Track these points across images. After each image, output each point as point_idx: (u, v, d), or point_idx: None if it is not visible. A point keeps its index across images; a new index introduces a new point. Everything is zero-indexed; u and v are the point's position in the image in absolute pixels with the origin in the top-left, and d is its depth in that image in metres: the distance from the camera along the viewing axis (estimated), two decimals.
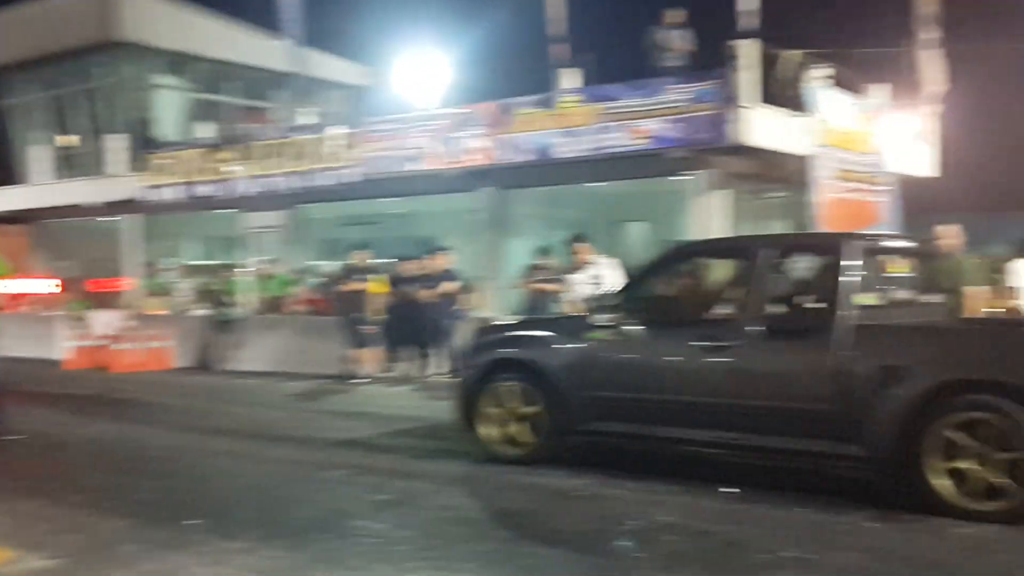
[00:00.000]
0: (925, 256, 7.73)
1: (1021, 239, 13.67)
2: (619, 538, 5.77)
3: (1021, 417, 5.86)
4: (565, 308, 9.55)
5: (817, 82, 16.08)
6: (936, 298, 7.80)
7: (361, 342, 14.66)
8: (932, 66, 18.67)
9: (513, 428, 7.87)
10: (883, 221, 15.50)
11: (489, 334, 8.60)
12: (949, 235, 10.34)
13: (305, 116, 20.94)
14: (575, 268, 9.29)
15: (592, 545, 5.67)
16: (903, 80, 19.47)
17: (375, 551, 5.57)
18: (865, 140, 16.56)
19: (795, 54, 15.56)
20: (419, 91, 18.80)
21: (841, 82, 16.90)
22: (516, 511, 6.48)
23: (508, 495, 6.90)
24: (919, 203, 20.52)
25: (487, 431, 8.01)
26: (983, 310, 13.50)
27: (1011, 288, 11.73)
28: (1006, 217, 31.56)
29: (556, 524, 6.10)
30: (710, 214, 15.79)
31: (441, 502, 6.72)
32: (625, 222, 19.97)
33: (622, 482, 7.16)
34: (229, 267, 18.71)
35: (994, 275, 14.38)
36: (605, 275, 9.13)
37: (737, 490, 6.82)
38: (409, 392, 13.30)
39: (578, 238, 9.37)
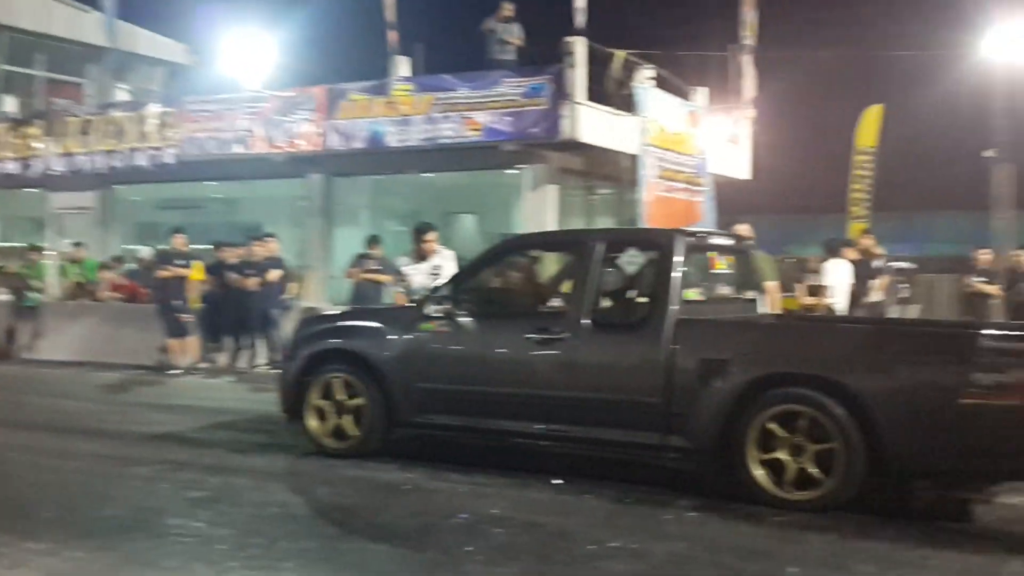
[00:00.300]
0: (743, 253, 7.97)
1: (830, 240, 14.42)
2: (448, 532, 5.68)
3: (833, 410, 6.11)
4: (397, 299, 9.36)
5: (644, 83, 16.48)
6: (753, 294, 8.08)
7: (179, 331, 14.03)
8: (746, 72, 19.45)
9: (340, 420, 7.66)
10: (703, 221, 16.04)
11: (316, 324, 8.35)
12: (742, 232, 10.70)
13: (121, 93, 19.89)
14: (420, 258, 9.09)
15: (421, 539, 5.56)
16: (719, 84, 20.23)
17: (192, 551, 5.27)
18: (688, 142, 17.09)
19: (623, 54, 15.89)
20: (245, 72, 18.14)
21: (664, 84, 17.41)
22: (342, 506, 6.28)
23: (334, 489, 6.69)
24: (734, 205, 21.39)
25: (313, 423, 7.77)
26: (798, 306, 14.22)
27: (824, 287, 12.35)
28: (816, 219, 33.48)
29: (384, 519, 5.95)
30: (540, 208, 15.94)
31: (263, 498, 6.45)
32: (456, 214, 19.91)
33: (451, 475, 7.08)
34: (35, 250, 17.53)
35: (806, 274, 15.14)
36: (445, 267, 9.00)
37: (562, 482, 6.84)
38: (230, 383, 12.84)
39: (427, 227, 9.18)
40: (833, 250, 13.76)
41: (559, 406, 6.89)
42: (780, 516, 6.05)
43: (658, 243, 6.99)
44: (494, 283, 8.10)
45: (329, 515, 6.04)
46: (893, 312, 15.54)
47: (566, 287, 7.40)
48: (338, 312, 9.00)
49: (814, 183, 32.61)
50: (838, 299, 12.78)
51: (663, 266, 6.80)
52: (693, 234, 7.16)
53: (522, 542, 5.52)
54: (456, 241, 18.31)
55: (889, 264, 15.77)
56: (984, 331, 6.02)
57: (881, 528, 5.85)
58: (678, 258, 6.77)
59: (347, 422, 7.63)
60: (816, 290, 14.66)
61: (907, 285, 20.30)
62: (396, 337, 7.53)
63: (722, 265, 7.45)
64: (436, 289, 7.65)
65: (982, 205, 28.12)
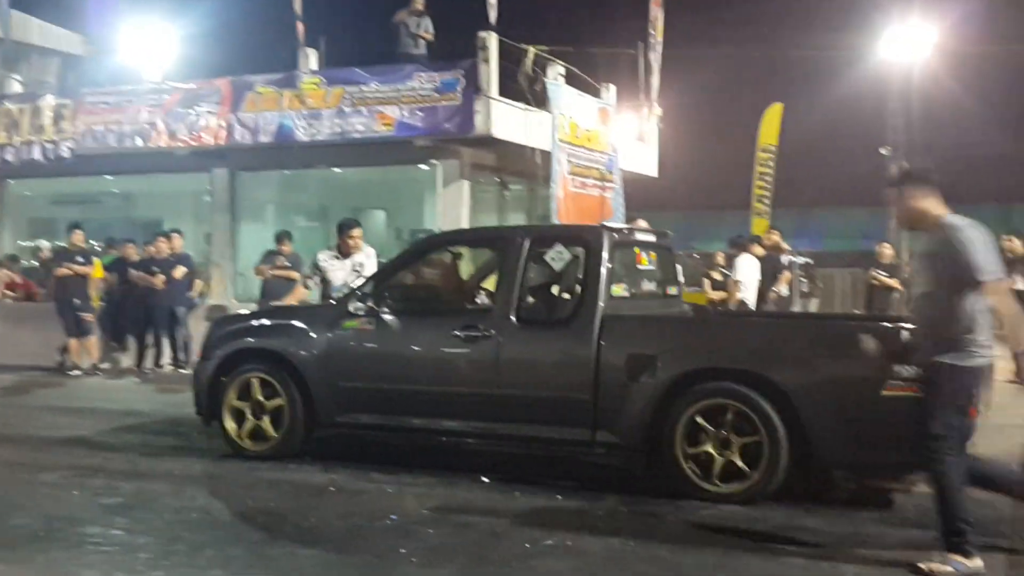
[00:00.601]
0: (667, 249, 8.01)
1: (737, 236, 14.69)
2: (379, 534, 5.56)
3: (757, 403, 6.18)
4: (297, 292, 9.13)
5: (556, 79, 16.53)
6: (675, 289, 8.14)
7: (79, 330, 13.51)
8: (653, 70, 19.67)
9: (259, 421, 7.46)
10: (614, 217, 16.17)
11: (232, 322, 8.11)
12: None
13: (14, 84, 19.06)
14: (343, 254, 8.88)
15: (351, 543, 5.43)
16: (628, 82, 20.42)
17: (112, 560, 5.04)
18: (599, 138, 17.21)
19: (535, 49, 15.89)
20: (146, 63, 17.57)
21: (575, 81, 17.49)
22: (266, 510, 6.08)
23: (257, 493, 6.49)
24: (641, 201, 21.65)
25: (231, 425, 7.54)
26: (705, 301, 14.43)
27: (737, 281, 12.54)
28: (721, 215, 34.16)
29: (311, 522, 5.78)
30: (453, 204, 15.82)
31: (182, 503, 6.22)
32: (367, 210, 19.65)
33: (376, 475, 6.95)
34: None
35: (712, 270, 15.38)
36: (367, 264, 8.83)
37: (490, 480, 6.77)
38: (135, 384, 12.42)
39: (352, 223, 8.98)
40: (742, 246, 14.02)
41: (486, 403, 6.82)
42: (707, 509, 6.10)
43: (585, 239, 6.97)
44: (418, 280, 7.99)
45: (254, 520, 5.84)
46: (795, 306, 15.94)
47: (492, 284, 7.33)
48: (256, 310, 8.75)
49: (719, 180, 33.23)
50: (748, 294, 13.02)
51: (590, 262, 6.79)
52: (619, 230, 7.17)
53: (456, 543, 5.43)
54: (367, 238, 18.10)
55: (794, 259, 16.17)
56: (906, 324, 6.15)
57: (808, 518, 5.94)
58: (605, 254, 6.76)
59: (266, 423, 7.43)
60: (721, 285, 14.95)
61: (806, 280, 20.84)
62: (317, 335, 7.36)
63: (646, 261, 7.47)
64: (359, 286, 7.49)
65: (878, 201, 29.02)
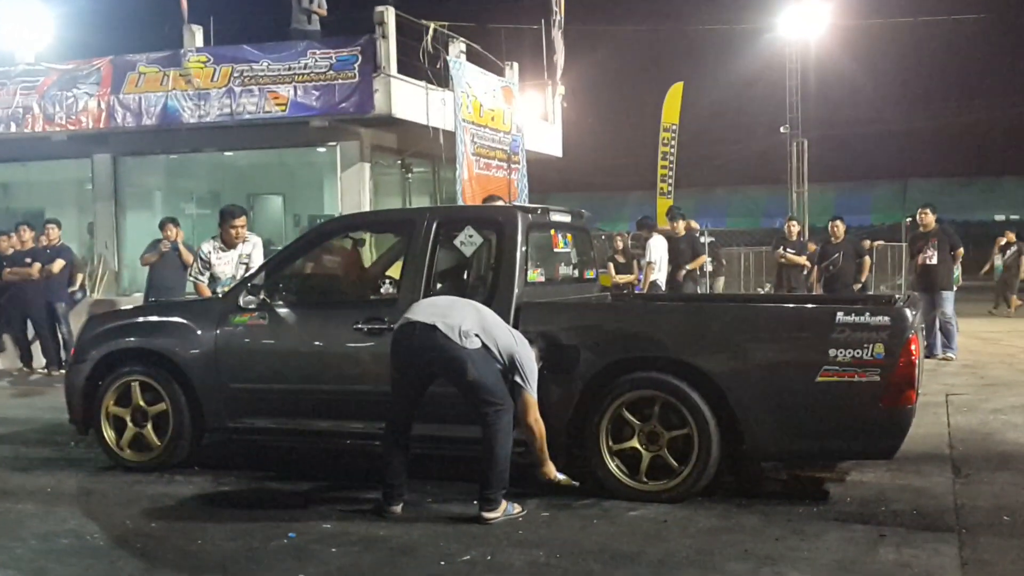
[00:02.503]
0: (583, 231, 7.54)
1: (645, 217, 14.36)
2: (276, 556, 4.95)
3: (685, 394, 5.76)
4: (200, 290, 8.40)
5: (458, 56, 15.96)
6: (592, 273, 7.69)
7: None
8: (556, 48, 19.26)
9: (141, 429, 6.76)
10: (519, 199, 15.74)
11: (108, 320, 7.33)
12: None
13: None
14: (228, 245, 8.16)
15: (241, 569, 4.81)
16: (531, 61, 19.97)
17: None
18: (503, 118, 16.72)
19: (435, 25, 15.28)
20: (19, 43, 16.38)
21: (477, 59, 16.94)
22: (146, 532, 5.41)
23: (137, 512, 5.79)
24: (545, 182, 21.31)
25: (110, 434, 6.83)
26: (609, 284, 14.08)
27: (650, 263, 12.19)
28: (625, 196, 34.07)
29: (198, 545, 5.13)
30: (354, 188, 15.16)
31: (51, 527, 5.50)
32: (262, 195, 18.81)
33: (277, 486, 6.35)
34: None
35: (616, 252, 15.05)
36: (255, 255, 8.13)
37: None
38: (8, 388, 11.42)
39: (236, 211, 8.27)
40: (652, 227, 13.71)
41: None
42: (636, 510, 5.66)
43: (497, 221, 6.43)
44: (316, 269, 7.36)
45: (131, 544, 5.16)
46: (702, 286, 15.74)
47: (397, 272, 6.74)
48: (136, 306, 7.98)
49: (623, 160, 33.14)
50: (660, 275, 12.70)
51: (503, 246, 6.26)
52: (533, 210, 6.65)
53: (364, 562, 4.86)
54: (262, 225, 17.27)
55: (703, 239, 15.97)
56: (841, 306, 5.79)
57: (742, 516, 5.54)
58: (519, 237, 6.24)
59: (149, 431, 6.74)
60: (626, 268, 14.64)
61: (710, 259, 20.76)
62: (204, 333, 6.67)
63: (563, 244, 6.98)
64: (249, 277, 6.81)
65: (777, 179, 29.27)
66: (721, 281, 21.93)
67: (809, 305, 6.84)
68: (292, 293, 6.71)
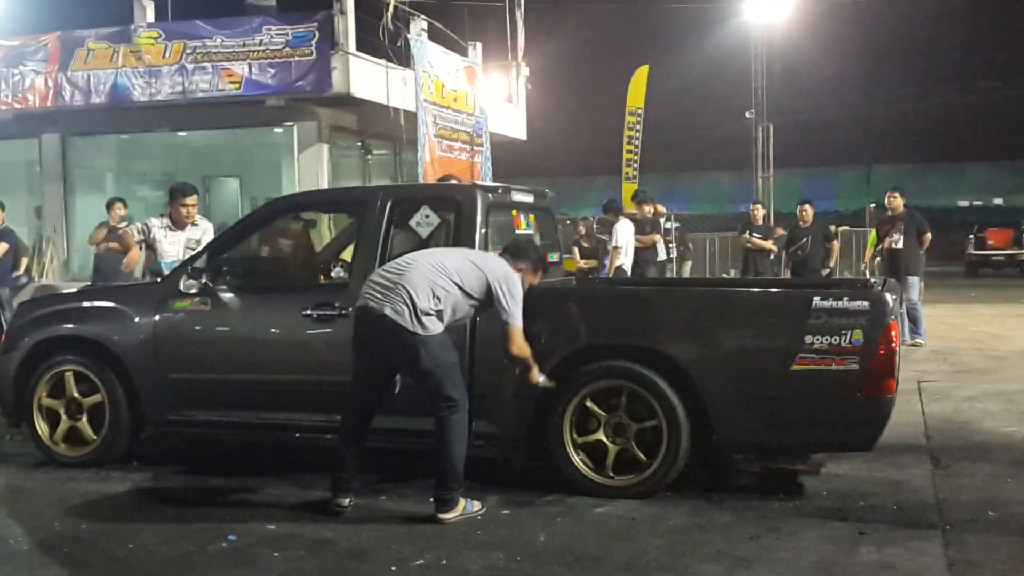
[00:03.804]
0: (546, 211, 7.19)
1: (611, 201, 14.05)
2: (212, 561, 4.58)
3: (653, 383, 5.44)
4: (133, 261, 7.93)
5: (419, 34, 15.54)
6: (556, 256, 7.34)
7: None
8: (519, 27, 18.88)
9: (75, 422, 6.34)
10: (483, 182, 15.36)
11: (40, 306, 6.87)
12: None
13: None
14: (179, 226, 7.70)
15: (176, 574, 4.43)
16: (495, 41, 19.57)
17: None
18: (466, 99, 16.33)
19: (395, 1, 14.83)
20: None
21: (439, 38, 16.52)
22: (75, 535, 4.98)
23: (67, 512, 5.38)
24: (509, 166, 20.92)
25: (42, 428, 6.40)
26: (574, 269, 13.78)
27: (616, 248, 11.88)
28: (591, 180, 33.78)
29: (128, 550, 4.73)
30: (312, 170, 14.72)
31: None
32: (217, 177, 18.27)
33: (220, 482, 5.96)
34: None
35: (582, 239, 14.75)
36: (204, 240, 7.68)
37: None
38: None
39: (186, 189, 7.81)
40: (618, 210, 13.38)
41: (343, 393, 5.84)
42: (602, 507, 5.34)
43: (455, 200, 6.06)
44: (262, 252, 6.96)
45: (58, 549, 4.75)
46: (668, 271, 15.48)
47: (349, 254, 6.34)
48: (69, 292, 7.52)
49: (588, 144, 32.83)
50: (627, 260, 12.39)
51: (462, 227, 5.89)
52: (494, 189, 6.29)
53: (308, 568, 4.50)
54: (218, 208, 16.77)
55: (667, 224, 15.72)
56: (818, 290, 5.49)
57: (714, 513, 5.24)
58: (479, 217, 5.88)
59: (84, 424, 6.31)
60: (590, 253, 14.34)
61: (674, 244, 20.55)
62: (142, 319, 6.25)
63: (525, 225, 6.62)
64: (189, 260, 6.38)
65: (743, 165, 29.09)
66: (688, 266, 21.77)
67: (783, 289, 6.52)
68: (237, 277, 6.29)
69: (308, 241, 7.06)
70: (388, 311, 5.08)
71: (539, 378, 5.36)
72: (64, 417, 6.35)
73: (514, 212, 6.51)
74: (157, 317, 6.22)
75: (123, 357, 6.21)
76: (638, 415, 5.51)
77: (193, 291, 6.16)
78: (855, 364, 5.20)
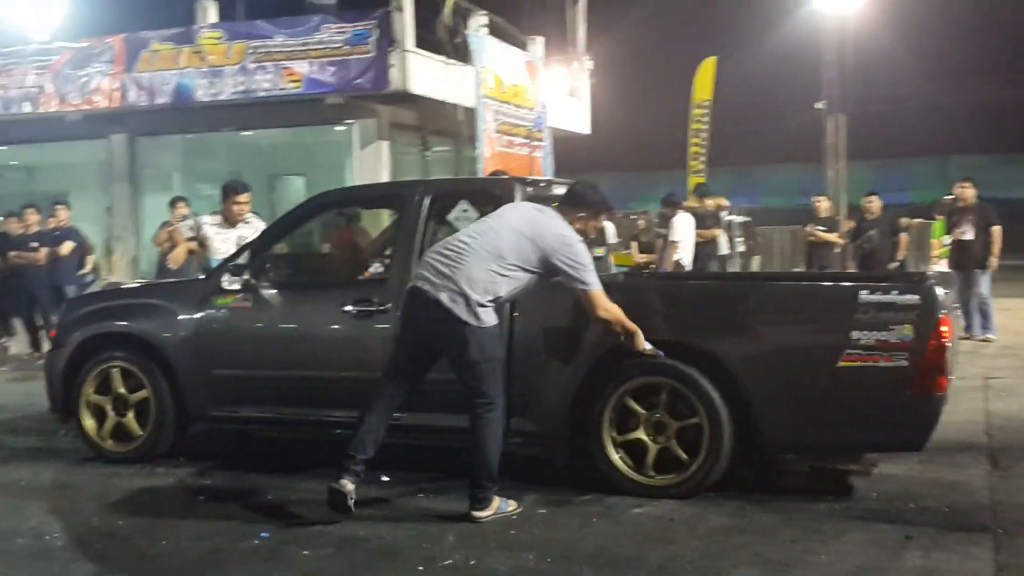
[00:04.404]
0: None
1: (670, 194, 13.82)
2: (241, 559, 4.57)
3: (694, 380, 5.29)
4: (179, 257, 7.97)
5: (478, 30, 15.48)
6: (601, 251, 7.21)
7: None
8: (582, 21, 18.72)
9: (122, 418, 6.41)
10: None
11: (88, 303, 6.98)
12: None
13: None
14: (231, 223, 7.72)
15: (204, 571, 4.44)
16: (557, 34, 19.43)
17: None
18: (526, 94, 16.24)
19: None
20: (32, 21, 16.14)
21: (499, 32, 16.45)
22: (111, 531, 5.03)
23: (106, 508, 5.43)
24: (573, 161, 20.76)
25: (90, 423, 6.49)
26: (632, 264, 13.60)
27: (674, 242, 11.69)
28: (656, 175, 33.40)
29: (161, 547, 4.75)
30: (373, 167, 14.80)
31: (12, 524, 5.15)
32: (283, 176, 18.47)
33: (261, 479, 5.95)
34: None
35: (641, 233, 14.57)
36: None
37: (389, 479, 5.82)
38: (8, 373, 11.15)
39: (239, 187, 7.84)
40: (677, 204, 13.17)
41: None
42: (641, 507, 5.21)
43: (494, 195, 5.96)
44: (309, 248, 6.95)
45: (91, 545, 4.80)
46: (734, 265, 15.19)
47: (390, 249, 6.30)
48: (115, 289, 7.61)
49: (654, 138, 32.44)
50: (686, 255, 12.19)
51: None
52: (533, 183, 6.20)
53: (335, 566, 4.47)
54: (285, 206, 16.91)
55: (734, 218, 15.44)
56: (865, 283, 5.28)
57: (757, 514, 5.08)
58: None
59: (130, 420, 6.38)
60: (649, 247, 14.15)
61: (742, 238, 20.19)
62: (185, 316, 6.29)
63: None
64: (233, 257, 6.41)
65: (814, 157, 28.48)
66: (756, 261, 21.37)
67: (829, 283, 6.31)
68: (278, 273, 6.32)
69: (350, 236, 7.05)
70: (444, 297, 4.97)
71: (645, 345, 5.19)
72: (111, 413, 6.43)
73: (555, 205, 6.39)
74: (200, 313, 6.26)
75: (168, 353, 6.26)
76: (679, 413, 5.37)
77: (235, 287, 6.18)
78: (904, 360, 4.99)
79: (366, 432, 5.10)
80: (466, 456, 5.13)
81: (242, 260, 6.27)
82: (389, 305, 5.76)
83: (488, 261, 4.99)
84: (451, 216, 5.99)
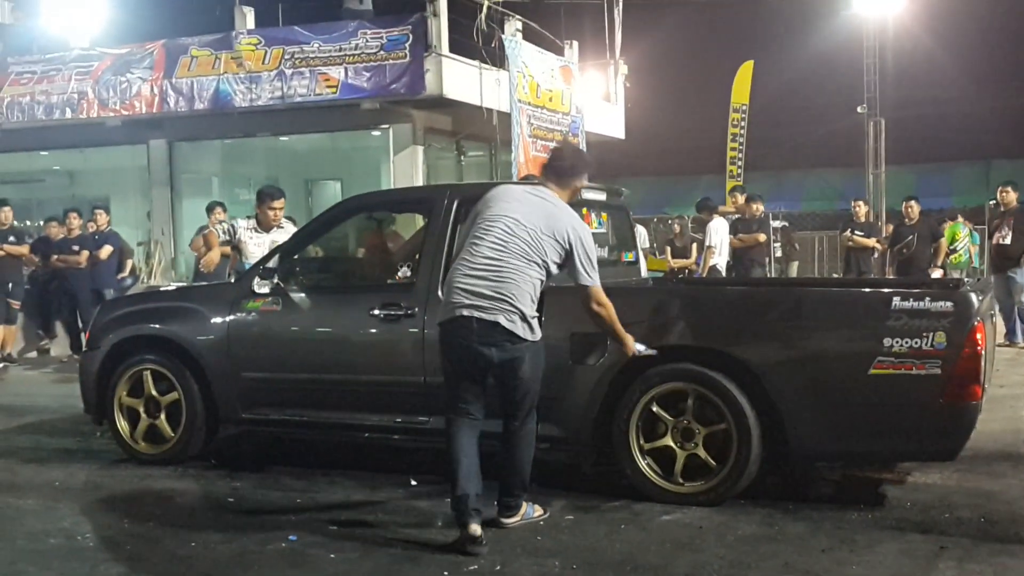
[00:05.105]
0: (621, 210, 7.03)
1: (706, 199, 13.73)
2: (268, 561, 4.59)
3: (721, 386, 5.24)
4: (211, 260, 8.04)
5: (514, 35, 15.51)
6: (632, 255, 7.18)
7: (7, 317, 12.35)
8: (618, 26, 18.66)
9: (154, 420, 6.47)
10: None
11: (121, 306, 7.06)
12: None
13: None
14: (265, 228, 7.77)
15: (233, 572, 4.45)
16: (592, 39, 19.39)
17: None
18: (561, 98, 16.24)
19: (489, 2, 14.84)
20: (73, 27, 16.38)
21: (534, 37, 16.46)
22: (141, 532, 5.06)
23: (137, 509, 5.47)
24: (609, 166, 20.68)
25: (123, 425, 6.55)
26: (666, 268, 13.53)
27: (710, 247, 11.61)
28: (695, 180, 33.18)
29: (189, 549, 4.77)
30: (408, 172, 14.89)
31: (45, 524, 5.21)
32: (319, 180, 18.64)
33: (291, 482, 5.98)
34: None
35: (675, 237, 14.49)
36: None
37: (417, 483, 5.85)
38: (50, 376, 11.30)
39: (274, 192, 7.89)
40: (712, 208, 13.09)
41: (412, 394, 5.83)
42: (670, 514, 5.16)
43: None
44: (336, 252, 6.98)
45: (122, 546, 4.84)
46: (767, 270, 15.06)
47: (417, 253, 6.30)
48: (148, 292, 7.68)
49: (691, 143, 32.29)
50: (721, 260, 12.10)
51: None
52: None
53: (361, 570, 4.47)
54: (320, 211, 17.05)
55: (774, 223, 15.33)
56: (898, 289, 5.20)
57: (787, 523, 5.01)
58: None
59: (162, 422, 6.44)
60: (682, 252, 14.07)
61: (779, 243, 20.01)
62: (216, 319, 6.34)
63: (596, 224, 6.48)
64: (263, 260, 6.45)
65: (853, 161, 28.17)
66: (795, 266, 21.19)
67: (861, 289, 6.23)
68: (307, 277, 6.35)
69: (379, 240, 7.07)
70: (503, 319, 4.73)
71: (636, 347, 5.09)
72: (143, 415, 6.49)
73: (584, 210, 6.36)
74: (231, 317, 6.30)
75: (199, 356, 6.31)
76: (707, 419, 5.32)
77: (265, 291, 6.22)
78: (937, 369, 4.91)
79: (465, 475, 4.78)
80: (499, 461, 5.09)
81: (272, 264, 6.30)
82: (416, 309, 5.76)
83: (526, 269, 4.82)
84: None
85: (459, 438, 4.85)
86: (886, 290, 5.32)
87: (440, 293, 5.67)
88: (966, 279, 6.44)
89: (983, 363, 4.98)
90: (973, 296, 5.04)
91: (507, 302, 4.74)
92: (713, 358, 5.27)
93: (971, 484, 5.66)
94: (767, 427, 5.23)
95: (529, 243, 4.84)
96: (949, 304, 4.94)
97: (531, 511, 5.10)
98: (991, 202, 17.17)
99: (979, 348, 4.90)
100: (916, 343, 4.93)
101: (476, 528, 4.65)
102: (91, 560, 4.65)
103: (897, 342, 4.96)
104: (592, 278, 4.95)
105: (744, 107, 24.54)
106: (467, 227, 5.00)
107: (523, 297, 4.79)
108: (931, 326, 4.91)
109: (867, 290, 5.81)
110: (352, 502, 5.55)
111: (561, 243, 4.88)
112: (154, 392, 6.44)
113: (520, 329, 4.77)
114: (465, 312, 4.74)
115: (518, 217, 4.86)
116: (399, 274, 6.38)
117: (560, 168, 5.12)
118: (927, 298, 4.99)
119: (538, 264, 4.85)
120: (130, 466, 6.44)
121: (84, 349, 6.95)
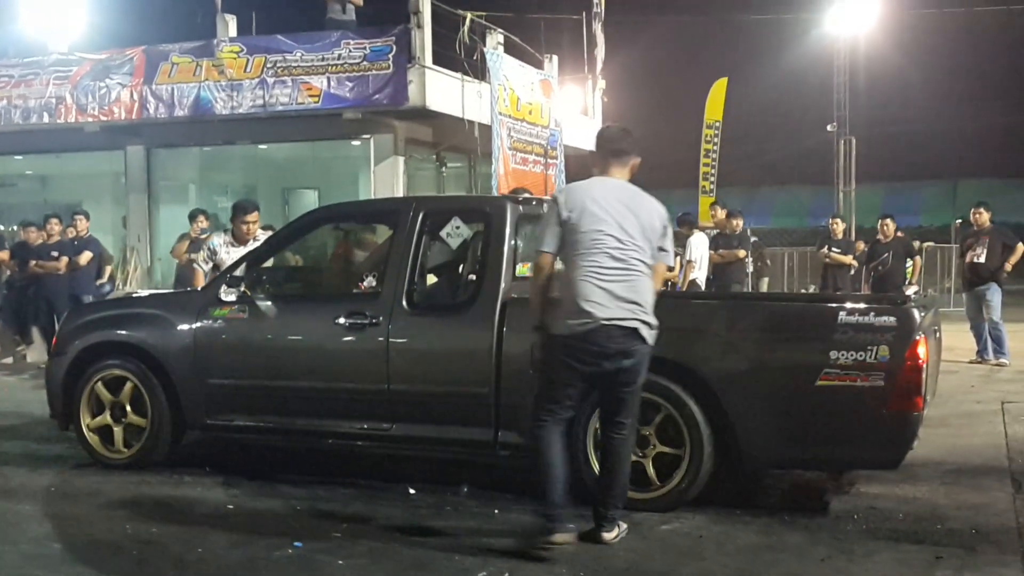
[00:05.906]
0: None
1: (685, 214, 13.90)
2: (277, 568, 4.61)
3: (677, 396, 5.33)
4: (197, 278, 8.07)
5: (495, 48, 15.60)
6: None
7: None
8: (596, 41, 18.82)
9: (120, 426, 6.51)
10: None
11: (87, 313, 7.10)
12: None
13: None
14: (241, 241, 7.77)
15: None
16: (570, 53, 19.53)
17: None
18: (541, 112, 16.34)
19: (472, 16, 14.93)
20: (51, 32, 16.28)
21: (515, 51, 16.57)
22: (146, 538, 5.06)
23: (138, 515, 5.46)
24: (582, 179, 20.83)
25: (89, 430, 6.58)
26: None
27: (690, 262, 11.75)
28: (668, 194, 33.47)
29: (197, 554, 4.77)
30: (388, 182, 14.89)
31: (47, 530, 5.23)
32: (297, 189, 18.60)
33: (289, 490, 5.99)
34: None
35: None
36: None
37: (414, 492, 5.89)
38: (29, 382, 11.18)
39: (249, 206, 7.90)
40: (692, 223, 13.26)
41: (375, 401, 5.90)
42: (669, 524, 5.25)
43: (485, 212, 6.03)
44: (302, 261, 7.05)
45: (128, 551, 4.84)
46: (745, 285, 15.22)
47: (382, 264, 6.35)
48: (116, 298, 7.68)
49: (665, 157, 32.54)
50: (700, 274, 12.25)
51: (491, 238, 5.84)
52: (527, 201, 6.28)
53: None
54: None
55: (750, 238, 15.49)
56: (844, 304, 5.37)
57: (786, 532, 5.12)
58: (508, 229, 5.82)
59: (128, 425, 6.49)
60: (685, 265, 14.16)
61: (750, 259, 20.20)
62: (183, 326, 6.39)
63: None
64: (230, 269, 6.50)
65: (823, 179, 28.57)
66: (765, 282, 21.41)
67: (809, 303, 6.40)
68: (273, 286, 6.45)
69: (345, 250, 7.17)
70: (642, 328, 4.74)
71: None
72: (109, 420, 6.50)
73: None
74: (197, 324, 6.35)
75: (165, 362, 6.35)
76: (663, 429, 5.41)
77: (231, 299, 6.27)
78: (881, 380, 5.07)
79: (554, 482, 4.78)
80: (601, 472, 5.09)
81: (239, 272, 6.37)
82: (381, 318, 5.85)
83: (647, 270, 4.84)
84: (443, 232, 6.09)
85: (554, 444, 4.82)
86: (832, 305, 5.49)
87: (404, 303, 5.80)
88: (912, 295, 6.62)
89: (924, 376, 5.13)
90: (916, 312, 5.21)
91: (639, 305, 4.76)
92: (668, 369, 5.30)
93: (959, 497, 5.79)
94: (718, 432, 5.33)
95: (646, 243, 4.85)
96: (892, 319, 5.11)
97: (623, 525, 5.01)
98: (958, 221, 17.53)
99: (920, 361, 5.07)
100: (861, 356, 5.09)
101: (565, 537, 4.68)
102: (98, 565, 4.65)
103: (843, 355, 5.12)
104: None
105: (717, 123, 24.80)
106: (555, 236, 4.83)
107: (649, 302, 4.82)
108: (875, 340, 5.08)
109: (814, 304, 5.98)
110: (352, 509, 5.57)
111: (656, 239, 4.90)
112: (120, 398, 6.46)
113: (650, 335, 4.80)
114: (600, 317, 4.68)
115: (631, 214, 4.85)
116: (364, 284, 6.47)
117: (619, 150, 5.15)
118: (871, 313, 5.17)
119: (650, 263, 4.86)
120: (125, 472, 6.41)
121: (51, 355, 6.97)
